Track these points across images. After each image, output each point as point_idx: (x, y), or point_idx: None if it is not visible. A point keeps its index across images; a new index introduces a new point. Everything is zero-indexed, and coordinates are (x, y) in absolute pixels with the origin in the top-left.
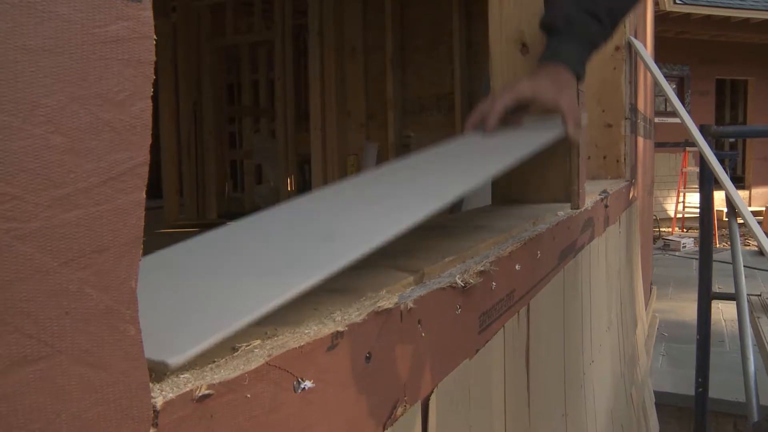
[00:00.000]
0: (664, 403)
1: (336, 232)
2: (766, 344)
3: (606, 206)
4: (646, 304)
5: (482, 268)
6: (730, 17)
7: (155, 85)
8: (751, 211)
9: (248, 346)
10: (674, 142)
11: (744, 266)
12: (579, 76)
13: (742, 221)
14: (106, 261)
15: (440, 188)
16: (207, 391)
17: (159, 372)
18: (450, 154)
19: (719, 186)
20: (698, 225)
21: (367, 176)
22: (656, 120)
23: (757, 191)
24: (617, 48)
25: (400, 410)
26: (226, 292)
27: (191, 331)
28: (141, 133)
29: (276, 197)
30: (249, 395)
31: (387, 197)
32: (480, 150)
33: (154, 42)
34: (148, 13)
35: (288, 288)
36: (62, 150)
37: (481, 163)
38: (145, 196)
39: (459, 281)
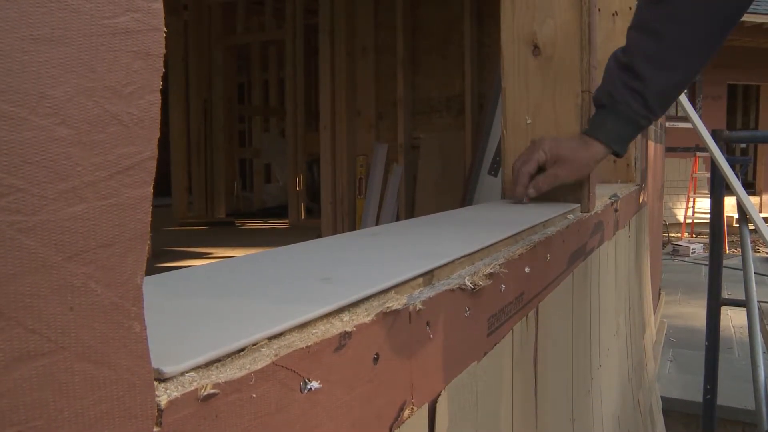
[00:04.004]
0: (672, 409)
1: (333, 276)
2: None
3: (616, 210)
4: (655, 309)
5: (492, 270)
6: (743, 22)
7: (166, 82)
8: (763, 218)
9: (254, 345)
10: (685, 146)
11: (755, 273)
12: (616, 153)
13: (753, 227)
14: (111, 256)
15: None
16: (212, 391)
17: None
18: (458, 220)
19: (730, 191)
20: (708, 231)
21: (372, 230)
22: (667, 124)
23: None
24: None
25: (407, 412)
26: (230, 311)
27: (192, 343)
28: (149, 126)
29: (284, 196)
30: (255, 395)
31: (384, 252)
32: (490, 220)
33: (164, 34)
34: (158, 5)
35: (294, 314)
36: (69, 142)
37: (487, 233)
38: (152, 191)
39: (468, 283)
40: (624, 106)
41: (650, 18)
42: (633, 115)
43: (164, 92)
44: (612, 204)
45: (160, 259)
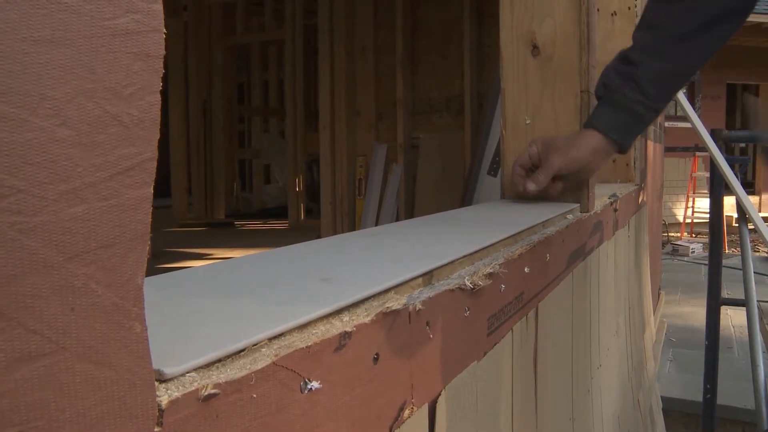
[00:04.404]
0: (672, 408)
1: (333, 276)
2: None
3: (615, 210)
4: (655, 309)
5: (491, 270)
6: None
7: (165, 82)
8: (762, 217)
9: (255, 345)
10: (684, 146)
11: (754, 272)
12: (619, 145)
13: (752, 227)
14: (112, 257)
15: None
16: (213, 391)
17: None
18: (461, 219)
19: (729, 191)
20: (707, 230)
21: (372, 230)
22: (666, 124)
23: (767, 197)
24: None
25: (407, 412)
26: (230, 311)
27: (192, 344)
28: (149, 127)
29: (284, 197)
30: (255, 395)
31: (384, 252)
32: (490, 220)
33: (164, 35)
34: (158, 6)
35: (295, 315)
36: (69, 144)
37: (487, 233)
38: (152, 191)
39: (468, 283)
40: (618, 94)
41: (651, 16)
42: (626, 102)
43: (164, 93)
44: (611, 204)
45: (160, 260)
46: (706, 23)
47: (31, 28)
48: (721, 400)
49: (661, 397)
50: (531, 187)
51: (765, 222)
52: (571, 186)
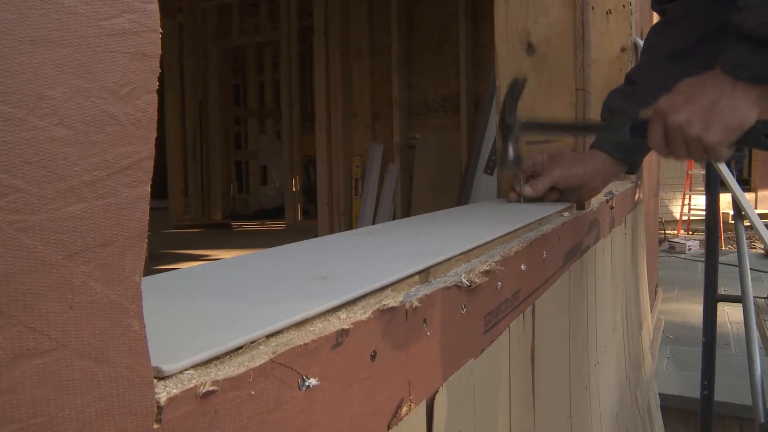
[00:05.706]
0: (670, 405)
1: (330, 274)
2: None
3: (611, 207)
4: (652, 306)
5: (488, 268)
6: None
7: (161, 84)
8: (758, 214)
9: (253, 343)
10: None
11: (750, 269)
12: (628, 165)
13: (748, 224)
14: (110, 255)
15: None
16: (211, 388)
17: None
18: (459, 217)
19: (726, 188)
20: (704, 227)
21: (370, 229)
22: None
23: (763, 194)
24: (623, 49)
25: (405, 409)
26: (228, 309)
27: (191, 341)
28: (146, 126)
29: (281, 198)
30: (253, 392)
31: (383, 250)
32: (486, 218)
33: (160, 35)
34: (154, 6)
35: (292, 313)
36: (67, 143)
37: (483, 231)
38: (149, 190)
39: (464, 280)
40: (620, 114)
41: (649, 41)
42: (627, 120)
43: (160, 95)
44: (608, 201)
45: (157, 261)
46: (703, 38)
47: (28, 28)
48: (718, 396)
49: (659, 393)
50: (527, 191)
51: (761, 219)
52: (568, 201)
